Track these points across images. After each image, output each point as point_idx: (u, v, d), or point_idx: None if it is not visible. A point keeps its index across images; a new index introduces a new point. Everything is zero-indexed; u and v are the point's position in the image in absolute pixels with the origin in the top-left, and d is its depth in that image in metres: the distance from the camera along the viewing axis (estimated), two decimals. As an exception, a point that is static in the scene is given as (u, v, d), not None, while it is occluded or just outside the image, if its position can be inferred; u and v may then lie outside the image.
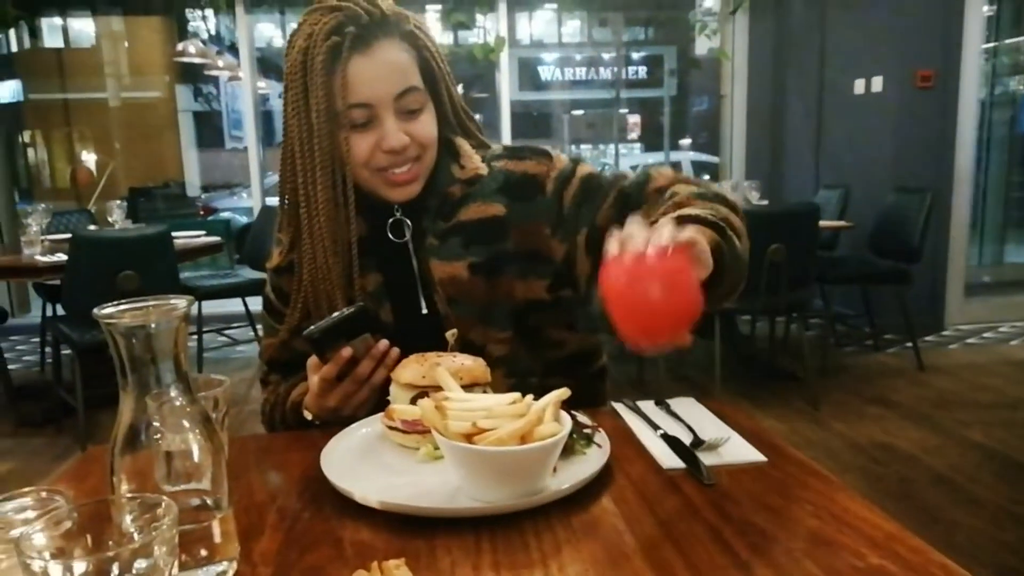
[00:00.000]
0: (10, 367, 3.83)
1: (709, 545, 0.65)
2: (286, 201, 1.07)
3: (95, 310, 0.56)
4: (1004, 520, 2.35)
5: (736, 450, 0.86)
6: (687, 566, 0.61)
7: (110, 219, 3.89)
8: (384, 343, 0.96)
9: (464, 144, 1.12)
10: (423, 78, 1.04)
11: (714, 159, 7.34)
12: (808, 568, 0.60)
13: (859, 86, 4.86)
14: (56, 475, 0.85)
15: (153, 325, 0.57)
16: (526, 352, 1.10)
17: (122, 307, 0.58)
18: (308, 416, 1.02)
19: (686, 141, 10.03)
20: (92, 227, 4.25)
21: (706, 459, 0.82)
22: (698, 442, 0.87)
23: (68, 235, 3.21)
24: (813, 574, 0.59)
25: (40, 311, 4.33)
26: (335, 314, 0.95)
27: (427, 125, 1.04)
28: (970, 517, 2.38)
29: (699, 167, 9.69)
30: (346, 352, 0.93)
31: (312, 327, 0.93)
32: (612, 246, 0.72)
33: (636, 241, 0.70)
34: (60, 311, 3.62)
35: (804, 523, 0.68)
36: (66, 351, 3.52)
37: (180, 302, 0.59)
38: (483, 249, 1.08)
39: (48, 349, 4.03)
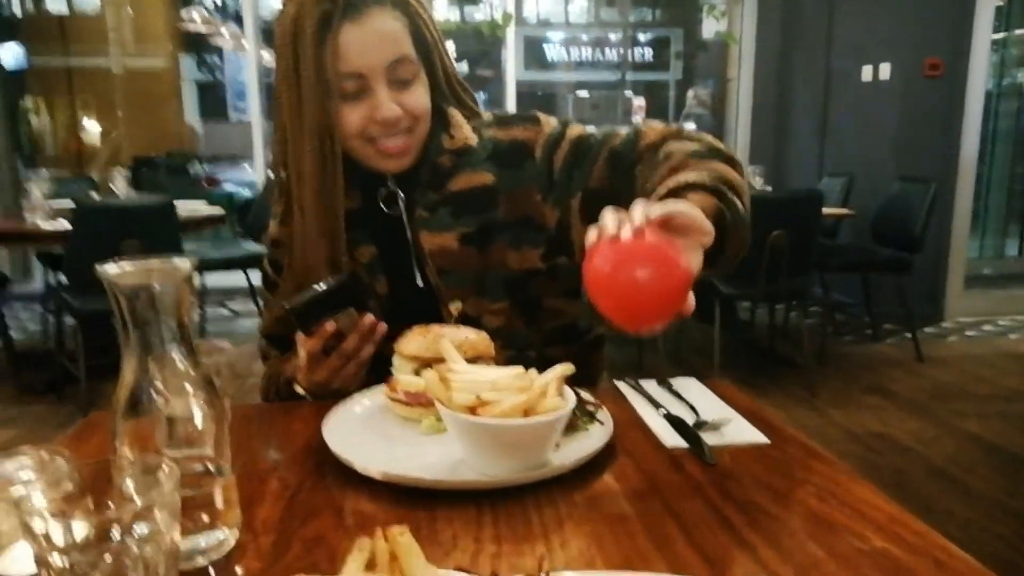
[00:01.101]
0: (12, 335, 3.83)
1: (711, 523, 0.64)
2: (280, 172, 1.06)
3: (98, 267, 0.55)
4: (999, 513, 2.36)
5: (738, 431, 0.85)
6: (689, 543, 0.61)
7: (113, 187, 3.87)
8: (370, 318, 0.95)
9: (455, 114, 1.10)
10: (415, 47, 1.02)
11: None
12: (811, 549, 0.60)
13: (866, 73, 4.82)
14: (59, 440, 0.85)
15: (156, 285, 0.57)
16: (523, 323, 1.09)
17: (125, 266, 0.57)
18: (299, 391, 1.02)
19: (690, 124, 9.98)
20: (95, 195, 4.23)
21: (708, 439, 0.82)
22: (700, 422, 0.87)
23: (71, 202, 3.20)
24: (816, 555, 0.59)
25: (42, 279, 4.33)
26: (318, 286, 0.94)
27: (420, 96, 1.03)
28: (965, 509, 2.39)
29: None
30: (330, 326, 0.92)
31: (294, 300, 0.92)
32: (591, 235, 0.71)
33: (610, 225, 0.69)
34: (63, 279, 3.61)
35: (807, 504, 0.68)
36: (69, 320, 3.53)
37: (184, 263, 0.58)
38: (473, 219, 1.07)
39: (51, 318, 4.03)
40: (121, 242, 2.91)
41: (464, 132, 1.09)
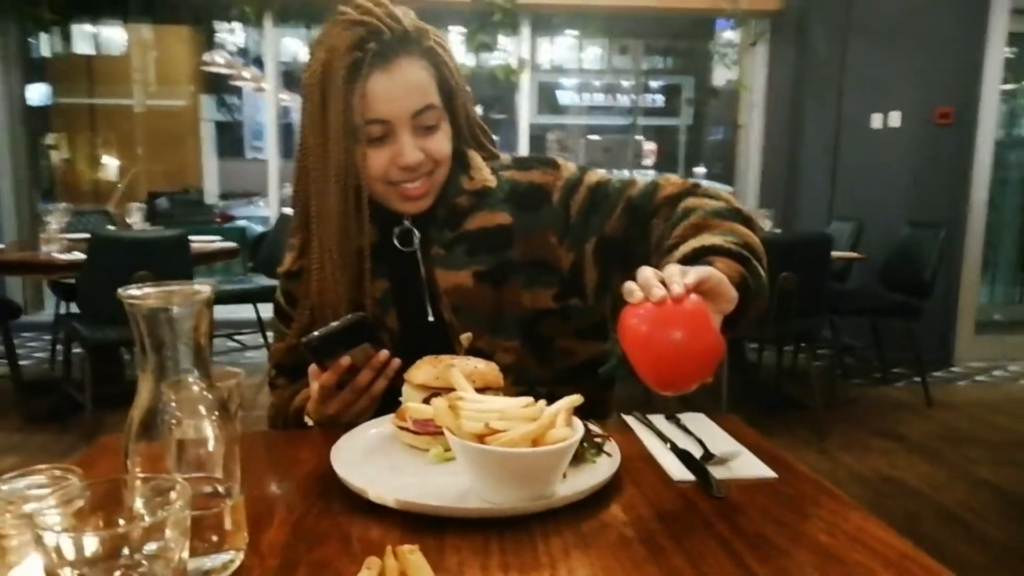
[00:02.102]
0: (21, 363, 3.85)
1: (720, 556, 0.64)
2: (299, 208, 1.09)
3: (119, 290, 0.57)
4: (1012, 560, 2.31)
5: (746, 465, 0.85)
6: (696, 574, 0.60)
7: (129, 220, 3.92)
8: (384, 353, 0.96)
9: (475, 156, 1.13)
10: (440, 94, 1.04)
11: (728, 188, 7.35)
12: (819, 583, 0.59)
13: (876, 120, 4.87)
14: (71, 462, 0.85)
15: (175, 308, 0.58)
16: (534, 361, 1.10)
17: (146, 289, 0.58)
18: (309, 422, 1.03)
19: (700, 169, 10.04)
20: (111, 228, 4.29)
21: (716, 473, 0.82)
22: (708, 455, 0.87)
23: (87, 234, 3.24)
24: (825, 589, 0.59)
25: (53, 309, 4.36)
26: (335, 322, 0.95)
27: (442, 141, 1.05)
28: (977, 555, 2.34)
29: (713, 196, 9.66)
30: (345, 361, 0.93)
31: (311, 334, 0.94)
32: (628, 293, 0.73)
33: (651, 288, 0.72)
34: (74, 309, 3.64)
35: (816, 539, 0.67)
36: (77, 349, 3.55)
37: (204, 287, 0.59)
38: (488, 258, 1.08)
39: (59, 346, 4.05)
40: (134, 273, 2.94)
41: (484, 174, 1.11)
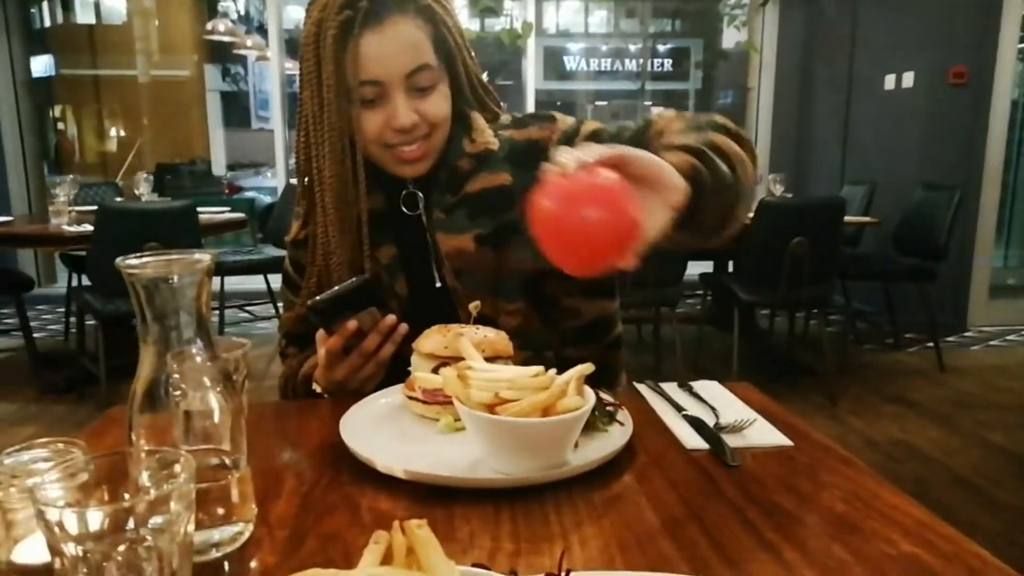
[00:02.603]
0: (35, 335, 3.88)
1: (734, 525, 0.63)
2: (303, 174, 1.07)
3: (118, 260, 0.55)
4: (1025, 524, 2.31)
5: (761, 433, 0.84)
6: (712, 545, 0.60)
7: (137, 192, 3.92)
8: (391, 318, 0.95)
9: (478, 118, 1.10)
10: (438, 53, 1.01)
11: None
12: (837, 553, 0.58)
13: (889, 81, 4.77)
14: (77, 434, 0.85)
15: (175, 278, 0.56)
16: (540, 323, 1.08)
17: (145, 259, 0.57)
18: (317, 389, 1.02)
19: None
20: (119, 199, 4.28)
21: (730, 441, 0.80)
22: (722, 424, 0.85)
23: (95, 207, 3.24)
24: (842, 559, 0.57)
25: (66, 281, 4.38)
26: (338, 286, 0.95)
27: (438, 103, 1.02)
28: (990, 519, 2.34)
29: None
30: (351, 325, 0.92)
31: (315, 298, 0.93)
32: (542, 173, 0.69)
33: (559, 165, 0.67)
34: (85, 281, 3.65)
35: (832, 507, 0.66)
36: (90, 321, 3.56)
37: (204, 256, 0.58)
38: (490, 220, 1.06)
39: (72, 319, 4.08)
40: (143, 245, 2.94)
41: (486, 136, 1.09)
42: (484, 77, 1.12)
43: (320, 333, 0.96)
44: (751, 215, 1.01)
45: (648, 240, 0.70)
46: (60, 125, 9.47)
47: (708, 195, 0.78)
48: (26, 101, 5.63)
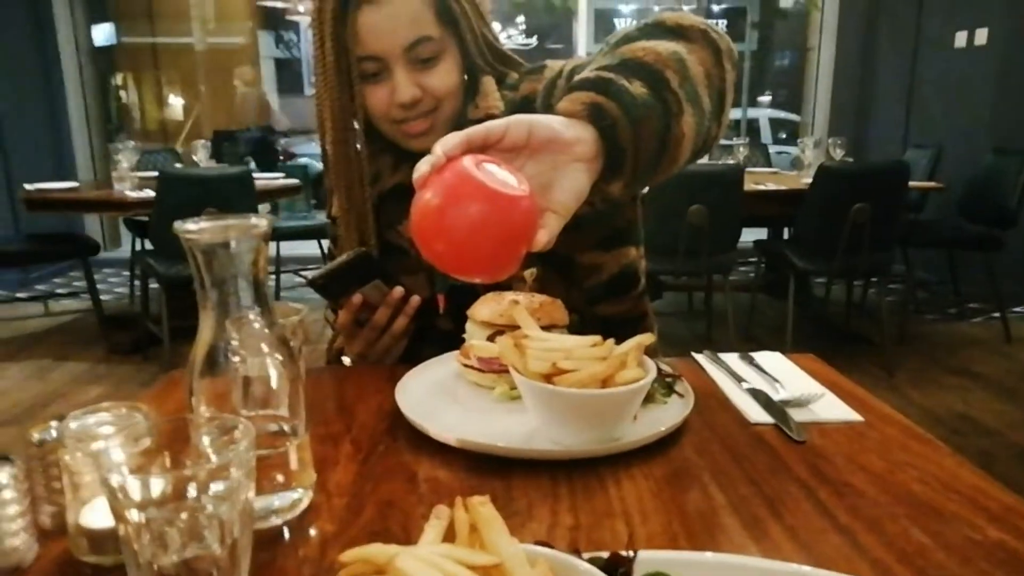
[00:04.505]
0: (102, 298, 4.02)
1: (804, 505, 0.60)
2: (323, 152, 1.06)
3: (176, 224, 0.55)
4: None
5: (828, 407, 0.80)
6: (781, 525, 0.57)
7: (195, 158, 3.99)
8: (398, 290, 0.95)
9: (488, 82, 1.04)
10: (442, 21, 0.96)
11: (794, 116, 7.02)
12: (916, 537, 0.55)
13: (960, 39, 4.51)
14: (141, 396, 0.87)
15: (233, 242, 0.56)
16: (560, 284, 1.04)
17: (203, 224, 0.56)
18: (346, 361, 1.03)
19: (765, 98, 9.59)
20: (178, 166, 4.38)
21: (795, 415, 0.77)
22: (786, 397, 0.82)
23: (155, 173, 3.31)
24: (922, 544, 0.54)
25: (130, 246, 4.52)
26: (336, 260, 0.95)
27: (443, 76, 0.98)
28: (1062, 498, 2.25)
29: (777, 125, 9.27)
30: (356, 299, 0.93)
31: (315, 274, 0.93)
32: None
33: (421, 165, 0.61)
34: (148, 246, 3.76)
35: (908, 488, 0.63)
36: (153, 284, 3.67)
37: (261, 220, 0.57)
38: None
39: (137, 282, 4.21)
40: (202, 210, 3.00)
41: (489, 101, 1.03)
42: (534, 42, 1.08)
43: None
44: (725, 119, 0.82)
45: (567, 209, 0.64)
46: (122, 93, 9.70)
47: (626, 127, 0.66)
48: (89, 69, 5.76)
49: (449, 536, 0.40)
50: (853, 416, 0.78)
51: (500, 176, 0.60)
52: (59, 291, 4.98)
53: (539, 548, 0.41)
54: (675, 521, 0.58)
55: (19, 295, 4.81)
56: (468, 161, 0.60)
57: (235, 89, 7.99)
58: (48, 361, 3.62)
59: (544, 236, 0.62)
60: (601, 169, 0.67)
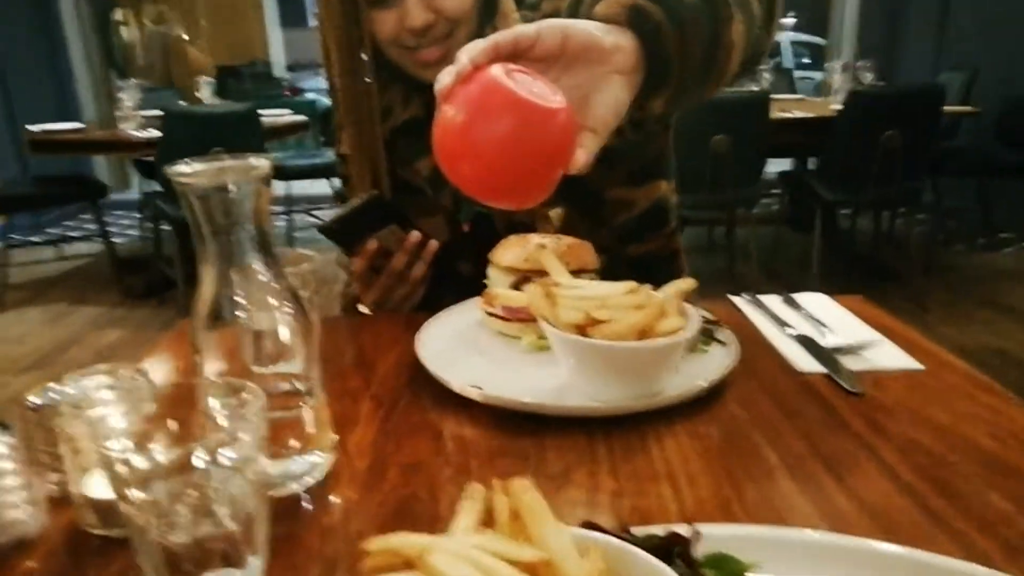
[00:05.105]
0: (114, 240, 3.99)
1: (865, 465, 0.55)
2: (331, 86, 0.99)
3: (167, 168, 0.49)
4: None
5: (883, 354, 0.75)
6: (843, 490, 0.52)
7: (198, 95, 3.89)
8: (415, 234, 0.90)
9: (506, 3, 0.94)
10: None
11: (819, 40, 6.74)
12: (994, 501, 0.50)
13: (1000, -51, 4.26)
14: (157, 341, 0.83)
15: (232, 186, 0.50)
16: (589, 223, 0.98)
17: (198, 166, 0.50)
18: (363, 310, 0.98)
19: (788, 20, 9.22)
20: (182, 103, 4.27)
21: (848, 363, 0.72)
22: (835, 344, 0.76)
23: (160, 111, 3.22)
24: (1001, 508, 0.49)
25: (137, 187, 4.47)
26: (347, 205, 0.90)
27: None
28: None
29: (799, 48, 8.94)
30: (371, 245, 0.88)
31: (326, 220, 0.88)
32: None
33: (447, 74, 0.54)
34: (157, 188, 3.70)
35: (979, 445, 0.58)
36: (166, 226, 3.63)
37: (260, 161, 0.51)
38: None
39: (149, 224, 4.17)
40: (208, 150, 2.92)
41: (508, 22, 0.94)
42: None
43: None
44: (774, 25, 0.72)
45: (606, 126, 0.57)
46: (122, 30, 9.47)
47: (670, 33, 0.60)
48: (86, 5, 5.59)
49: (487, 521, 0.35)
50: (912, 364, 0.72)
51: (533, 87, 0.53)
52: (71, 234, 4.96)
53: (588, 533, 0.36)
54: (726, 485, 0.53)
55: (32, 239, 4.80)
56: (497, 69, 0.53)
57: (237, 22, 7.77)
58: (64, 305, 3.62)
59: (583, 156, 0.56)
60: (642, 82, 0.60)
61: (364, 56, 0.93)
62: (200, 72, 4.83)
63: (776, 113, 3.25)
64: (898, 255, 3.96)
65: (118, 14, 9.29)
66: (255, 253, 0.53)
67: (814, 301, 0.89)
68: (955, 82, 4.11)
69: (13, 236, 4.27)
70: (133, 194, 5.42)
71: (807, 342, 0.76)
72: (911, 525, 0.48)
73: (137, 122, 3.47)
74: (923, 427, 0.61)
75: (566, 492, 0.53)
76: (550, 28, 0.56)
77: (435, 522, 0.50)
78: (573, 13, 0.88)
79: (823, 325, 0.81)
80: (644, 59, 0.59)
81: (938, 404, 0.64)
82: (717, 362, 0.70)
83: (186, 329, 0.87)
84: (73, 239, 4.81)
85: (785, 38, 8.91)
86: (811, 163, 4.16)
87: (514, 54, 0.55)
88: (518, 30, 0.56)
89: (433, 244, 0.91)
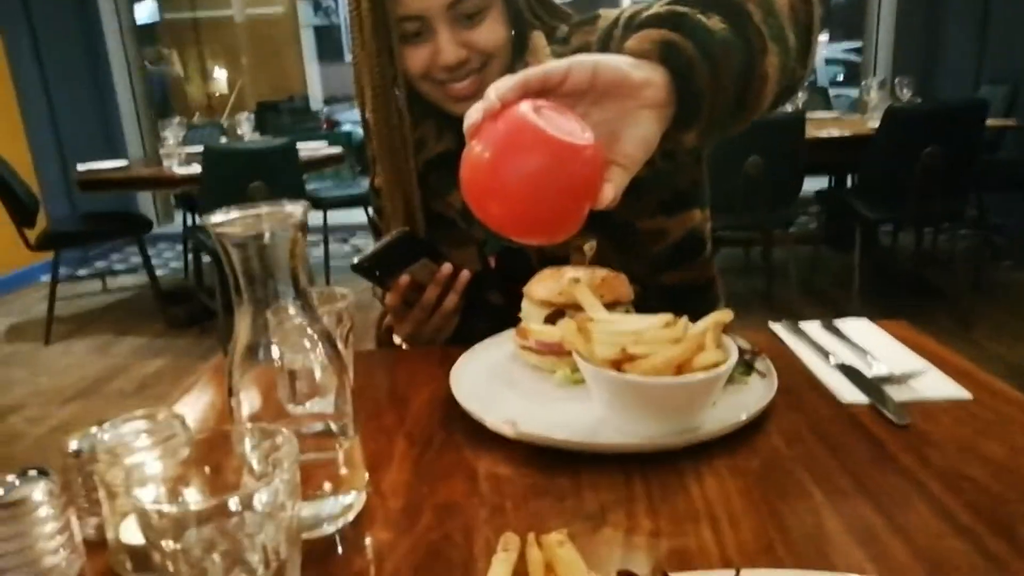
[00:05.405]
0: (157, 272, 4.09)
1: (915, 503, 0.53)
2: (363, 119, 1.00)
3: (204, 218, 0.50)
4: None
5: (930, 383, 0.72)
6: (893, 529, 0.50)
7: (239, 132, 3.99)
8: (447, 267, 0.90)
9: (538, 38, 0.95)
10: None
11: (854, 56, 6.67)
12: (1056, 543, 0.48)
13: (1042, -43, 4.18)
14: (200, 368, 0.84)
15: (267, 235, 0.50)
16: (622, 254, 0.96)
17: (233, 214, 0.51)
18: (397, 341, 0.99)
19: (823, 37, 9.16)
20: (223, 140, 4.38)
21: (895, 394, 0.69)
22: (880, 373, 0.74)
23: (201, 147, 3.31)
24: (1065, 551, 0.47)
25: (182, 220, 4.58)
26: (379, 242, 0.91)
27: (490, 31, 0.89)
28: None
29: (833, 65, 8.86)
30: (404, 280, 0.89)
31: (360, 258, 0.89)
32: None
33: (474, 110, 0.54)
34: (199, 220, 3.79)
35: (1038, 481, 0.55)
36: (207, 258, 3.71)
37: (296, 208, 0.51)
38: None
39: (190, 256, 4.26)
40: (248, 184, 2.99)
41: (539, 57, 0.94)
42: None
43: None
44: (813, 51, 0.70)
45: (634, 161, 0.57)
46: (178, 70, 9.80)
47: (702, 67, 0.59)
48: (132, 48, 5.79)
49: (520, 570, 0.35)
50: (960, 393, 0.69)
51: (561, 123, 0.53)
52: (116, 267, 5.09)
53: (626, 584, 0.35)
54: (769, 525, 0.52)
55: (79, 273, 4.94)
56: (525, 106, 0.53)
57: (276, 59, 8.01)
58: (109, 336, 3.71)
59: (610, 191, 0.56)
60: (673, 116, 0.59)
61: (397, 92, 0.94)
62: (197, 108, 4.98)
63: (812, 132, 3.21)
64: (942, 273, 3.85)
65: (161, 55, 9.62)
66: (290, 297, 0.54)
67: (856, 327, 0.87)
68: (996, 95, 4.03)
69: (61, 271, 4.40)
70: (176, 227, 5.56)
71: (851, 372, 0.74)
72: (969, 569, 0.46)
73: (180, 158, 3.56)
74: (975, 462, 0.58)
75: (602, 533, 0.52)
76: (580, 64, 0.56)
77: (469, 564, 0.49)
78: (604, 47, 0.88)
79: (866, 353, 0.79)
80: (675, 93, 0.59)
81: (991, 436, 0.62)
82: (757, 394, 0.68)
83: (222, 364, 0.88)
84: (118, 272, 4.94)
85: (819, 55, 8.84)
86: (849, 181, 4.09)
87: (543, 90, 0.56)
88: (548, 66, 0.56)
89: (465, 274, 0.91)
